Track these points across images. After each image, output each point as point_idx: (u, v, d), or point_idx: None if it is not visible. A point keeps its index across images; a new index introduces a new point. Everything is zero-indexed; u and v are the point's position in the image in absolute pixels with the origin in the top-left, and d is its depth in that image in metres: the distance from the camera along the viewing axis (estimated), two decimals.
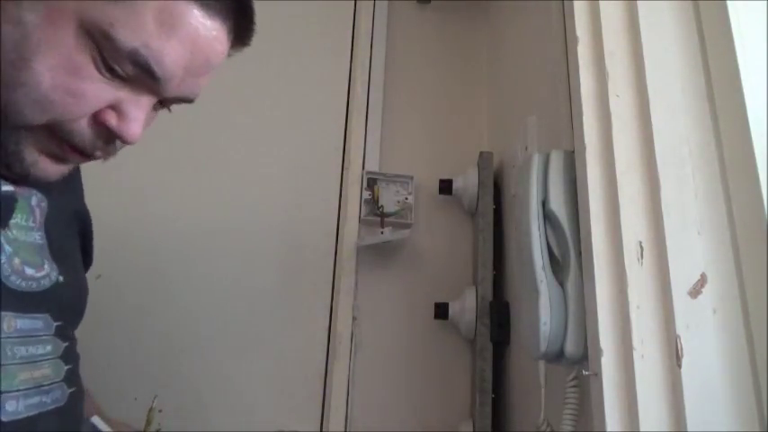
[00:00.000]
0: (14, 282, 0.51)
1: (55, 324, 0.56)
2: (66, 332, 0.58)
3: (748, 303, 0.53)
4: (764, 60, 0.57)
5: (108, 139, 0.51)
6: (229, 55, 0.55)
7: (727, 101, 0.58)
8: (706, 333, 0.53)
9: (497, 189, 1.18)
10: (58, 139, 0.50)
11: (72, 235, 0.64)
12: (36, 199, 0.56)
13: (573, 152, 0.68)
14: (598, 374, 0.56)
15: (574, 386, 0.64)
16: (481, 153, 1.21)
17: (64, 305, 0.57)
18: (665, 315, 0.55)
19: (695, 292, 0.54)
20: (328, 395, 1.18)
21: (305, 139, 1.35)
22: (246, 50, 0.58)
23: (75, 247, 0.65)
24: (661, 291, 0.56)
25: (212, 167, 1.30)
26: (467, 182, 1.22)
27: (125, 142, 0.52)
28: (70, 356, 0.58)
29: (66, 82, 0.46)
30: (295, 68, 1.39)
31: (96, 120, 0.50)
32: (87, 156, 0.52)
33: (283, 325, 1.23)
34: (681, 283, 0.55)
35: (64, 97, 0.47)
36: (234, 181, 1.31)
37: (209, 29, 0.50)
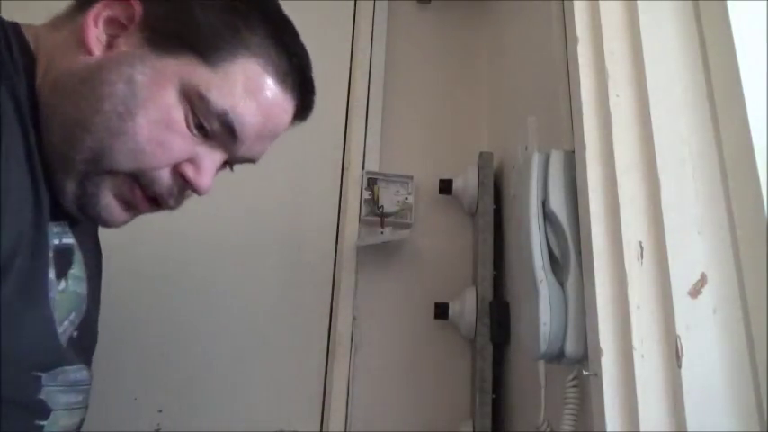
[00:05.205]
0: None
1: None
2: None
3: (748, 303, 0.53)
4: (764, 60, 0.57)
5: (182, 188, 0.58)
6: (289, 126, 0.63)
7: (727, 101, 0.58)
8: (706, 333, 0.53)
9: (497, 189, 1.18)
10: (137, 187, 0.55)
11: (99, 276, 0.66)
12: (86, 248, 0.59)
13: (573, 152, 0.68)
14: (598, 374, 0.56)
15: (574, 386, 0.64)
16: (481, 153, 1.21)
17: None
18: (665, 315, 0.55)
19: (695, 292, 0.54)
20: (328, 395, 1.18)
21: (305, 139, 1.35)
22: None
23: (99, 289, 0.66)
24: (661, 291, 0.56)
25: None
26: (467, 182, 1.21)
27: (197, 192, 0.58)
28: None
29: (160, 135, 0.52)
30: None
31: (176, 170, 0.56)
32: (159, 204, 0.58)
33: (283, 325, 1.22)
34: (681, 283, 0.55)
35: (155, 148, 0.52)
36: (233, 181, 1.30)
37: (281, 100, 0.58)
